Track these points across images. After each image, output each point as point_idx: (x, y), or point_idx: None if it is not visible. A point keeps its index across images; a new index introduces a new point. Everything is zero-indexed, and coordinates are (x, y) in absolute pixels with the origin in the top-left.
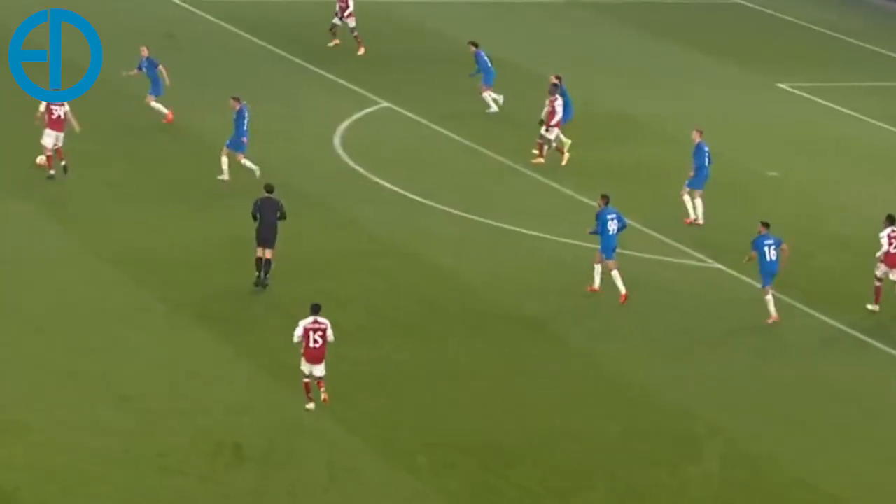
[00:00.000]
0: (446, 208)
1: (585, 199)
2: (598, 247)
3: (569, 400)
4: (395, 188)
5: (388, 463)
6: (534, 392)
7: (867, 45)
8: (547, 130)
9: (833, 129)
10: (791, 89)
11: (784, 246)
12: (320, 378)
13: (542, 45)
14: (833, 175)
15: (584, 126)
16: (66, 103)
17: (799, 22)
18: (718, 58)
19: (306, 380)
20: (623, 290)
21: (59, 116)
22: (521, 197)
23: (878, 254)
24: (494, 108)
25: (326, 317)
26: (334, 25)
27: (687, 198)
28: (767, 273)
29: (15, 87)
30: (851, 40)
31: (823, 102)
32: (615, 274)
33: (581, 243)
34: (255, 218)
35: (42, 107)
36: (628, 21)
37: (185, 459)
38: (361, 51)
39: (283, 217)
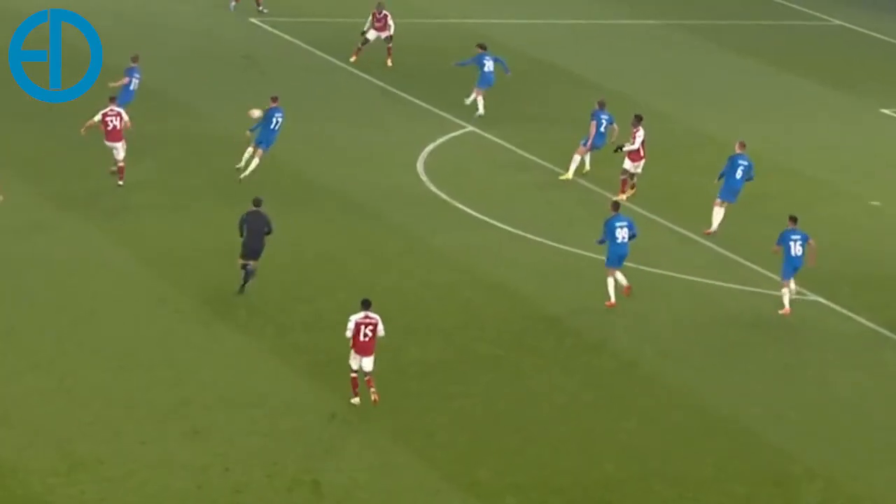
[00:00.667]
0: (531, 236)
1: (684, 231)
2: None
3: (662, 438)
4: (480, 215)
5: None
6: (625, 430)
7: None
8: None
9: None
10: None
11: (811, 242)
12: (369, 374)
13: (643, 70)
14: None
15: (691, 153)
16: (121, 112)
17: None
18: (820, 82)
19: (354, 374)
20: (612, 298)
21: (115, 127)
22: None
23: None
24: (481, 111)
25: (410, 350)
26: (366, 40)
27: (717, 209)
28: (790, 267)
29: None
30: None
31: None
32: (610, 281)
33: (679, 275)
34: (241, 233)
35: (97, 117)
36: (727, 45)
37: (261, 496)
38: (389, 63)
39: (269, 232)
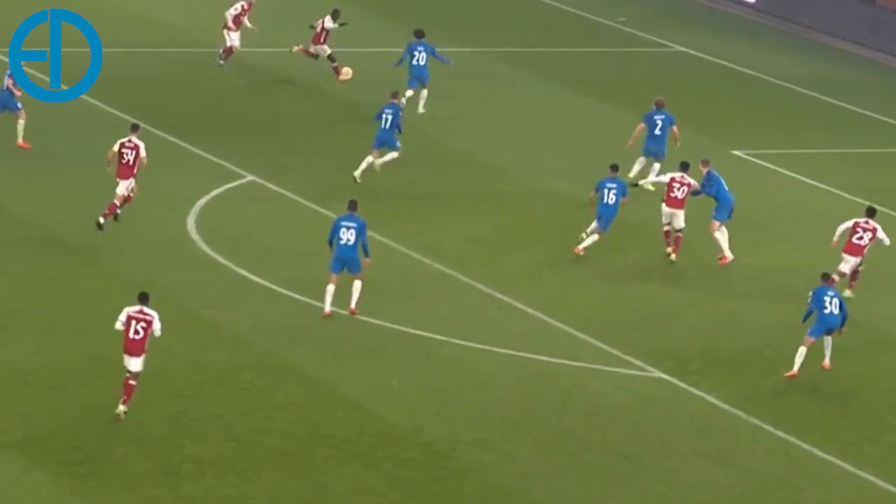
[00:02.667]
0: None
1: (504, 297)
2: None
3: None
4: (263, 281)
5: None
6: None
7: (846, 105)
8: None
9: (799, 205)
10: (748, 157)
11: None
12: (133, 377)
13: (450, 105)
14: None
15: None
16: (139, 145)
17: (759, 75)
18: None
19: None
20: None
21: (128, 161)
22: (415, 292)
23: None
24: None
25: (182, 444)
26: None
27: (718, 234)
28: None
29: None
30: (826, 98)
31: (788, 173)
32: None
33: (498, 349)
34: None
35: (116, 146)
36: (552, 76)
37: None
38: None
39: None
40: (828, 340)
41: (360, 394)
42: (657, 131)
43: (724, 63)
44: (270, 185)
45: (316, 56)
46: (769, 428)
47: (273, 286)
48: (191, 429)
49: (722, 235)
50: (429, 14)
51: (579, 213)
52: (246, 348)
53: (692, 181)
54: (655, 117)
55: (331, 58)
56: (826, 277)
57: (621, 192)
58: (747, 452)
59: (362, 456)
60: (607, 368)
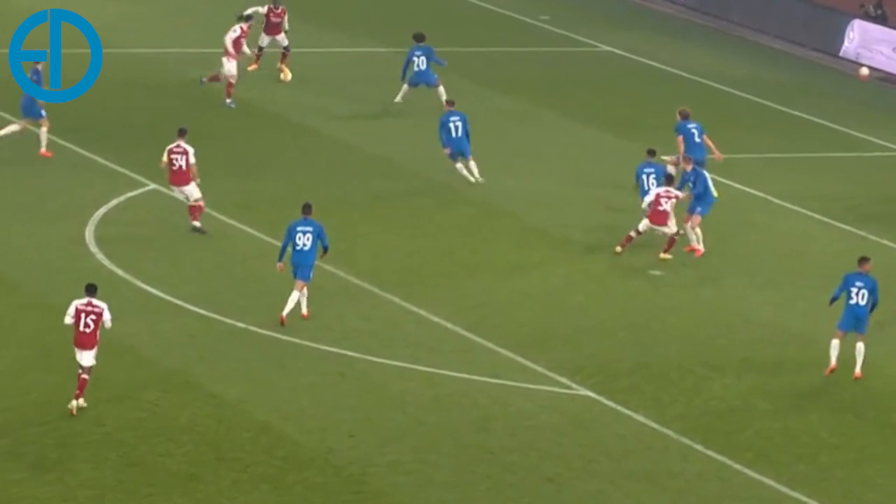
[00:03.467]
0: (233, 321)
1: (422, 311)
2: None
3: None
4: (166, 296)
5: None
6: None
7: (777, 106)
8: None
9: (730, 212)
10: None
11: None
12: (86, 371)
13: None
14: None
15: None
16: (187, 150)
17: (688, 76)
18: (587, 124)
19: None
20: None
21: (181, 167)
22: (326, 305)
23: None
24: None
25: (79, 469)
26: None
27: (698, 229)
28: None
29: None
30: (758, 99)
31: (719, 178)
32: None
33: (417, 366)
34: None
35: (165, 155)
36: (476, 79)
37: None
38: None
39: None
40: (859, 347)
41: (269, 414)
42: (696, 139)
43: (652, 63)
44: (174, 195)
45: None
46: (700, 448)
47: (177, 301)
48: (89, 452)
49: (699, 231)
50: (347, 13)
51: (502, 222)
52: (148, 366)
53: (678, 193)
54: (689, 127)
55: (285, 51)
56: (863, 262)
57: (660, 175)
58: (677, 474)
59: (271, 480)
60: (531, 386)
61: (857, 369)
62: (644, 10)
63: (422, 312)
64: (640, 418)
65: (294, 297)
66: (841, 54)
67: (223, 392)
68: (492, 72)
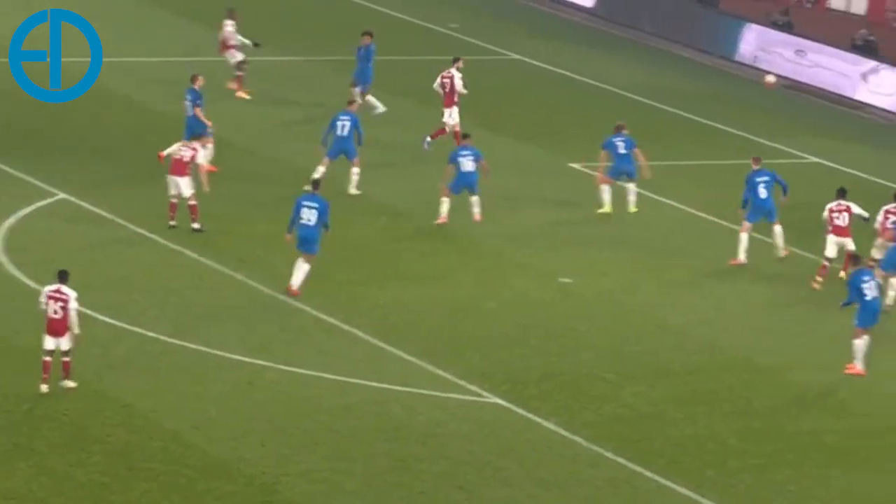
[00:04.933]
0: (146, 332)
1: (330, 319)
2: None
3: None
4: (79, 307)
5: None
6: None
7: (686, 115)
8: None
9: (638, 220)
10: (586, 169)
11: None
12: (66, 351)
13: None
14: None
15: None
16: (197, 148)
17: (598, 84)
18: (497, 132)
19: (47, 358)
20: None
21: (182, 159)
22: (235, 314)
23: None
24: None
25: None
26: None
27: (743, 235)
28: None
29: None
30: (667, 107)
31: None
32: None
33: (326, 375)
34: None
35: (174, 147)
36: (385, 88)
37: None
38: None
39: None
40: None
41: (180, 424)
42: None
43: (561, 71)
44: (83, 204)
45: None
46: (610, 455)
47: (87, 310)
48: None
49: (745, 237)
50: (252, 21)
51: (411, 230)
52: (59, 376)
53: (851, 205)
54: (615, 139)
55: (240, 66)
56: (856, 260)
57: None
58: (587, 481)
59: (182, 490)
60: (442, 394)
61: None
62: (554, 19)
63: (332, 321)
64: (551, 426)
65: (301, 267)
66: (742, 60)
67: (133, 402)
68: (401, 79)
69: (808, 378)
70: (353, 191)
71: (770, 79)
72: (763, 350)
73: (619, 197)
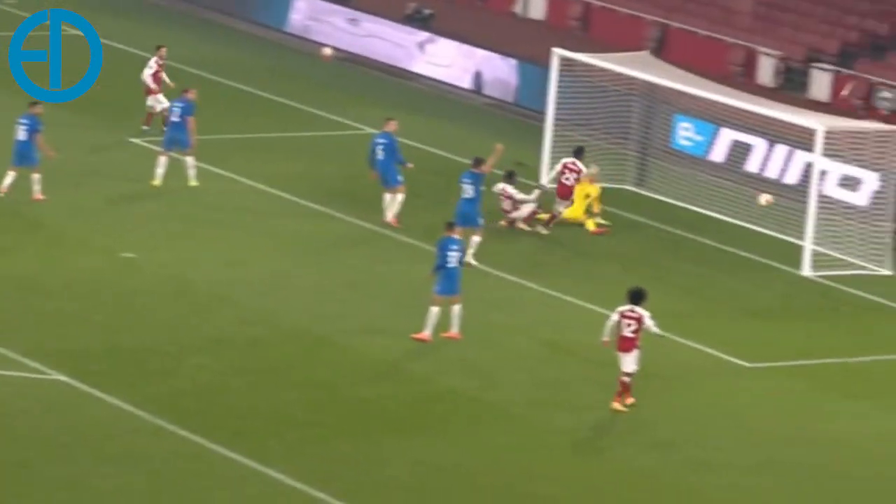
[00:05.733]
0: None
1: None
2: None
3: None
4: None
5: None
6: None
7: (241, 86)
8: None
9: (202, 194)
10: (147, 144)
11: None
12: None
13: None
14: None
15: None
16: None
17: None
18: (54, 105)
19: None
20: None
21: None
22: None
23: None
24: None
25: None
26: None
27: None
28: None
29: None
30: (228, 82)
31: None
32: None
33: None
34: None
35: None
36: None
37: None
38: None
39: None
40: (454, 310)
41: None
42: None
43: (119, 45)
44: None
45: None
46: (174, 428)
47: None
48: None
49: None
50: None
51: None
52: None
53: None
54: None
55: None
56: (450, 227)
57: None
58: (152, 455)
59: None
60: (3, 372)
61: (455, 329)
62: None
63: None
64: (115, 401)
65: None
66: (294, 31)
67: None
68: None
69: (369, 346)
70: None
71: (326, 51)
72: (324, 319)
73: (179, 170)
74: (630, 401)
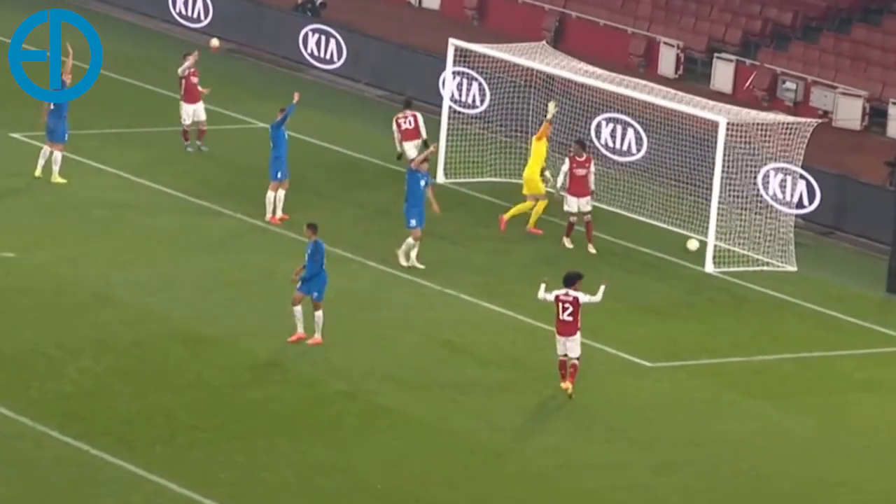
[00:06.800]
0: None
1: None
2: None
3: None
4: None
5: None
6: None
7: (121, 78)
8: None
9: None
10: (28, 140)
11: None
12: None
13: None
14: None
15: None
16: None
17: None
18: None
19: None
20: None
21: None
22: None
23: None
24: None
25: None
26: None
27: (270, 194)
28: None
29: None
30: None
31: (71, 156)
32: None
33: None
34: None
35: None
36: None
37: None
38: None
39: None
40: (317, 316)
41: None
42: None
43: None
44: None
45: None
46: (56, 434)
47: None
48: None
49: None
50: None
51: None
52: None
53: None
54: None
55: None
56: (313, 228)
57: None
58: (32, 461)
59: None
60: None
61: (318, 335)
62: None
63: None
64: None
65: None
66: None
67: None
68: None
69: (256, 347)
70: None
71: (214, 42)
72: (211, 320)
73: (66, 165)
74: (568, 387)
